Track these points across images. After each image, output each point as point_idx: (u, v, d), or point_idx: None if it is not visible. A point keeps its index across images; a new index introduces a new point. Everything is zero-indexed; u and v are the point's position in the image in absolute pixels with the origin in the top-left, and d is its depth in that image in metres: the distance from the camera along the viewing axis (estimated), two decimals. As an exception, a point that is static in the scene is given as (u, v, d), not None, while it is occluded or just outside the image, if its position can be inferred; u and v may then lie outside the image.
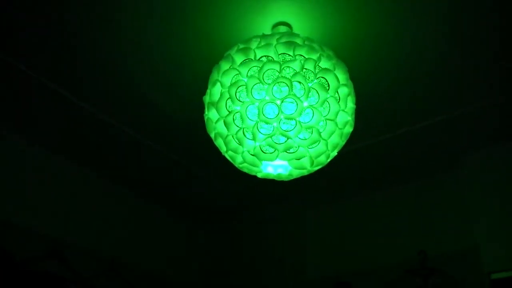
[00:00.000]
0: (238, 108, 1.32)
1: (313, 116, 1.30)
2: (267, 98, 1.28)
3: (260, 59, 1.32)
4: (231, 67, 1.34)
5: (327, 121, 1.33)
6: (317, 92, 1.29)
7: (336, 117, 1.34)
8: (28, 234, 2.10)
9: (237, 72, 1.32)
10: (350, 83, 1.39)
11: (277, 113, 1.28)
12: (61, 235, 2.24)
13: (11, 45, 1.68)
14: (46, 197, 2.26)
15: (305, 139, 1.32)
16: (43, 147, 2.27)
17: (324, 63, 1.33)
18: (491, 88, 1.83)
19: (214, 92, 1.38)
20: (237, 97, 1.31)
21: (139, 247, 2.64)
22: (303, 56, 1.31)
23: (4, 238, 1.95)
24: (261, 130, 1.30)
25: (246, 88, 1.29)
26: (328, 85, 1.32)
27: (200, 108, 1.49)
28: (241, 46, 1.35)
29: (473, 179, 2.18)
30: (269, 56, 1.31)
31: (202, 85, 1.49)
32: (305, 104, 1.29)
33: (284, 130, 1.29)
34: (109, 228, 2.51)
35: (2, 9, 1.51)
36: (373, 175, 2.45)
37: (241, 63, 1.33)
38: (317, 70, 1.31)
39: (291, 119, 1.28)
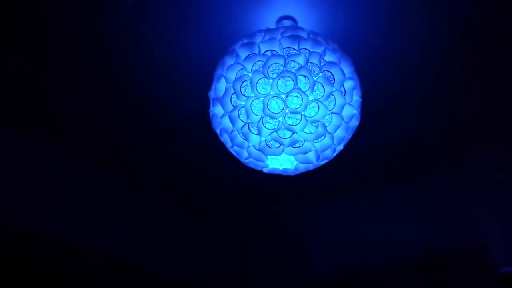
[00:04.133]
0: (243, 103, 1.32)
1: (318, 110, 1.29)
2: (272, 92, 1.28)
3: (265, 53, 1.31)
4: (235, 62, 1.33)
5: (333, 114, 1.32)
6: (323, 86, 1.29)
7: (341, 110, 1.33)
8: (34, 234, 2.10)
9: (242, 67, 1.32)
10: (355, 76, 1.38)
11: (282, 108, 1.27)
12: (66, 235, 2.24)
13: (15, 48, 1.69)
14: (51, 197, 2.26)
15: (311, 133, 1.31)
16: (48, 147, 2.28)
17: (329, 57, 1.32)
18: (501, 82, 1.80)
19: (219, 87, 1.37)
20: (242, 92, 1.31)
21: (143, 246, 2.63)
22: (308, 49, 1.31)
23: (10, 238, 1.96)
24: (266, 125, 1.30)
25: (251, 83, 1.29)
26: (334, 79, 1.31)
27: (205, 104, 1.49)
28: (246, 40, 1.35)
29: (483, 172, 2.17)
30: (273, 50, 1.31)
31: (207, 81, 1.48)
32: (310, 98, 1.28)
33: (290, 125, 1.28)
34: (117, 228, 2.51)
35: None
36: (381, 169, 2.43)
37: (245, 57, 1.32)
38: (322, 64, 1.30)
39: (297, 113, 1.28)
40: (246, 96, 1.31)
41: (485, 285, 2.04)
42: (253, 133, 1.33)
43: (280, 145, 1.32)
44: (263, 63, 1.28)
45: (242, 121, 1.33)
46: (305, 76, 1.27)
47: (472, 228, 2.19)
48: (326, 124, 1.32)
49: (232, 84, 1.32)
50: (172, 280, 2.67)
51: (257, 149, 1.36)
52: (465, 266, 2.11)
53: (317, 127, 1.31)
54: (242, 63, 1.32)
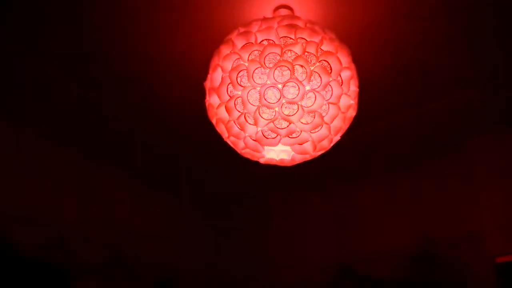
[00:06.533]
0: (239, 93, 1.30)
1: (315, 100, 1.28)
2: (269, 82, 1.26)
3: (261, 42, 1.30)
4: (231, 51, 1.32)
5: (330, 105, 1.32)
6: (319, 76, 1.28)
7: (338, 100, 1.32)
8: (33, 224, 2.10)
9: (238, 57, 1.30)
10: (353, 66, 1.37)
11: (278, 98, 1.26)
12: (66, 224, 2.24)
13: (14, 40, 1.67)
14: (51, 187, 2.26)
15: (308, 124, 1.31)
16: (44, 137, 2.27)
17: (326, 46, 1.31)
18: (498, 71, 1.80)
19: (215, 77, 1.36)
20: (239, 82, 1.30)
21: (143, 237, 2.64)
22: (304, 39, 1.29)
23: (8, 228, 1.96)
24: (263, 115, 1.29)
25: (247, 72, 1.28)
26: (331, 68, 1.30)
27: (201, 94, 1.47)
28: (242, 29, 1.33)
29: (479, 162, 2.17)
30: (270, 39, 1.29)
31: (203, 71, 1.47)
32: (307, 88, 1.27)
33: (286, 115, 1.27)
34: (114, 218, 2.51)
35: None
36: (377, 159, 2.43)
37: (242, 47, 1.31)
38: (319, 53, 1.29)
39: (293, 103, 1.27)
40: (242, 86, 1.29)
41: (480, 275, 2.06)
42: (249, 124, 1.32)
43: (277, 136, 1.31)
44: (260, 52, 1.26)
45: (239, 111, 1.32)
46: (302, 66, 1.26)
47: (469, 217, 2.20)
48: (323, 114, 1.32)
49: (228, 74, 1.31)
50: (172, 269, 2.68)
51: (253, 140, 1.35)
52: (462, 256, 2.12)
53: (314, 117, 1.30)
54: (238, 53, 1.30)
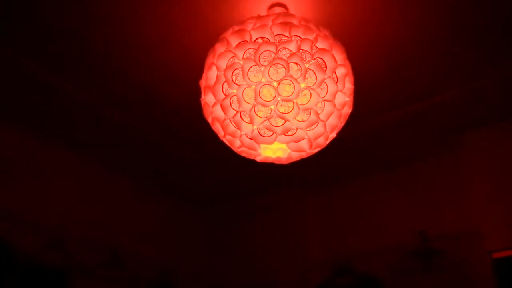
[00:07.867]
0: (235, 91, 1.30)
1: (310, 97, 1.28)
2: (264, 80, 1.26)
3: (256, 40, 1.29)
4: (226, 49, 1.32)
5: (325, 102, 1.31)
6: (315, 73, 1.28)
7: (334, 98, 1.32)
8: (30, 225, 2.10)
9: (233, 55, 1.30)
10: (347, 63, 1.37)
11: (274, 96, 1.26)
12: (63, 225, 2.24)
13: (13, 39, 1.66)
14: (48, 188, 2.25)
15: (303, 121, 1.30)
16: (41, 138, 2.27)
17: (321, 43, 1.31)
18: (490, 67, 1.81)
19: (210, 75, 1.36)
20: (234, 80, 1.30)
21: (141, 236, 2.64)
22: (299, 36, 1.29)
23: (7, 230, 1.95)
24: (258, 113, 1.29)
25: (242, 70, 1.27)
26: (326, 66, 1.30)
27: (196, 93, 1.47)
28: (236, 28, 1.33)
29: (473, 158, 2.18)
30: (265, 37, 1.29)
31: (198, 69, 1.47)
32: (302, 85, 1.27)
33: (282, 113, 1.27)
34: (111, 218, 2.51)
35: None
36: (373, 157, 2.44)
37: (236, 45, 1.30)
38: (314, 51, 1.29)
39: (289, 101, 1.26)
40: (237, 84, 1.29)
41: (477, 271, 2.06)
42: (245, 122, 1.32)
43: (273, 134, 1.31)
44: (254, 50, 1.26)
45: (234, 110, 1.32)
46: (296, 64, 1.26)
47: (464, 213, 2.21)
48: (319, 112, 1.31)
49: (223, 72, 1.31)
50: (170, 269, 2.67)
51: (249, 138, 1.35)
52: (458, 252, 2.12)
53: (310, 114, 1.30)
54: (233, 51, 1.30)
